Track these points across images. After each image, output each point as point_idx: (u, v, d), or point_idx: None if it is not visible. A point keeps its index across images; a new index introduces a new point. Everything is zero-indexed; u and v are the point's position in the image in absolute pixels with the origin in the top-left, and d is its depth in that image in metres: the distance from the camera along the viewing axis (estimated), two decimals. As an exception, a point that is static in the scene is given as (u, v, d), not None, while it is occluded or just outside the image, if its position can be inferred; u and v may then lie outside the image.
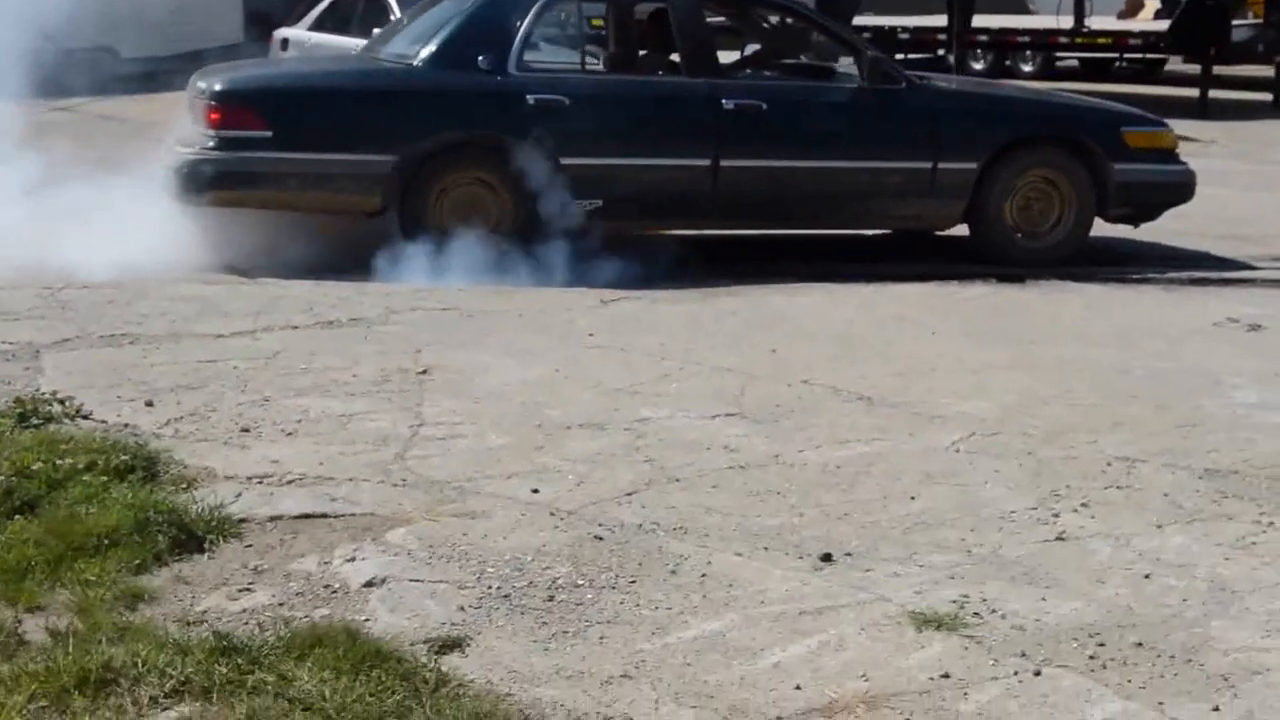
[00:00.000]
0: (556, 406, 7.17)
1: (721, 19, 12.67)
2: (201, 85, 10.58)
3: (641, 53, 11.78)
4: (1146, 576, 5.45)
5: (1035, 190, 11.64)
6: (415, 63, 10.93)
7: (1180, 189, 11.87)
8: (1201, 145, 18.02)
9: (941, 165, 11.20)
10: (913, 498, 6.15)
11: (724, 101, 11.00)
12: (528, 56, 11.06)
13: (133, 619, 4.93)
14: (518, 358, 8.07)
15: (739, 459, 6.54)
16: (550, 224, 10.58)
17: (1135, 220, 12.11)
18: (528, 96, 10.68)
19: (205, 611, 5.03)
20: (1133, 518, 6.02)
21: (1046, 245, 11.71)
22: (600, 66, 11.74)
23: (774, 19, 13.67)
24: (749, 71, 12.09)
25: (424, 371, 7.73)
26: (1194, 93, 23.99)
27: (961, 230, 11.81)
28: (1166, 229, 12.47)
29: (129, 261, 10.02)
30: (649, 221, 11.17)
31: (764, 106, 11.12)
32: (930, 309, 9.92)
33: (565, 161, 10.53)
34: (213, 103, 10.37)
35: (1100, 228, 12.11)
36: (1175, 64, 29.55)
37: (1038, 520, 5.94)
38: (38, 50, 15.21)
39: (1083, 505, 6.15)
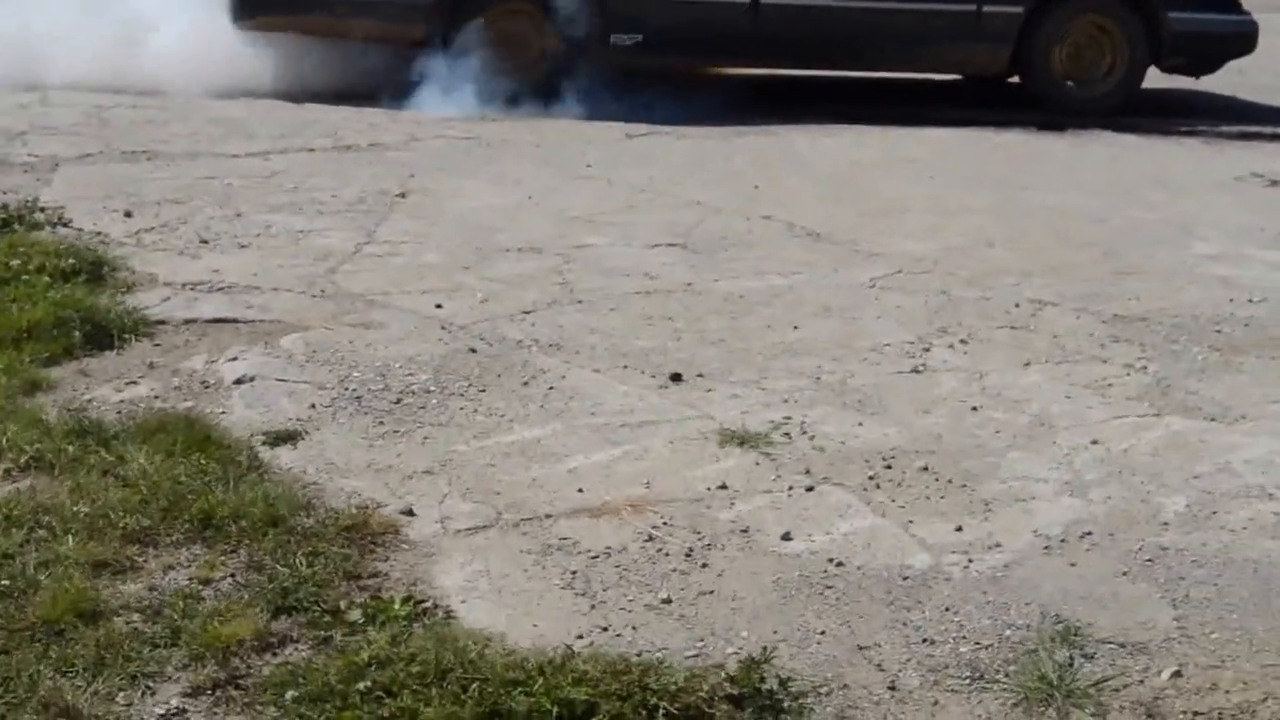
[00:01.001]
0: (507, 231, 7.58)
1: None
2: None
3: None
4: (974, 409, 5.73)
5: (1086, 37, 11.70)
6: (463, -107, 11.15)
7: (1240, 40, 11.82)
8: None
9: (986, 8, 11.33)
10: (795, 327, 6.48)
11: None
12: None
13: (25, 404, 5.41)
14: (501, 185, 8.49)
15: (651, 285, 6.90)
16: (591, 58, 10.83)
17: (1193, 71, 12.11)
18: None
19: (91, 400, 5.51)
20: (1003, 356, 6.28)
21: (1098, 94, 11.78)
22: None
23: None
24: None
25: (402, 195, 8.17)
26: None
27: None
28: (1260, 85, 12.42)
29: (190, 82, 10.52)
30: (689, 58, 11.46)
31: None
32: (948, 153, 10.17)
33: (605, -6, 10.78)
34: (267, -71, 10.79)
35: (1178, 81, 12.11)
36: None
37: (905, 354, 6.25)
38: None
39: (961, 342, 6.40)
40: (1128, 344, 6.43)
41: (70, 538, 4.46)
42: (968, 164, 9.80)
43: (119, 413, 5.34)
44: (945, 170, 9.53)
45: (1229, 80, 12.94)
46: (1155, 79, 12.48)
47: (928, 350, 6.24)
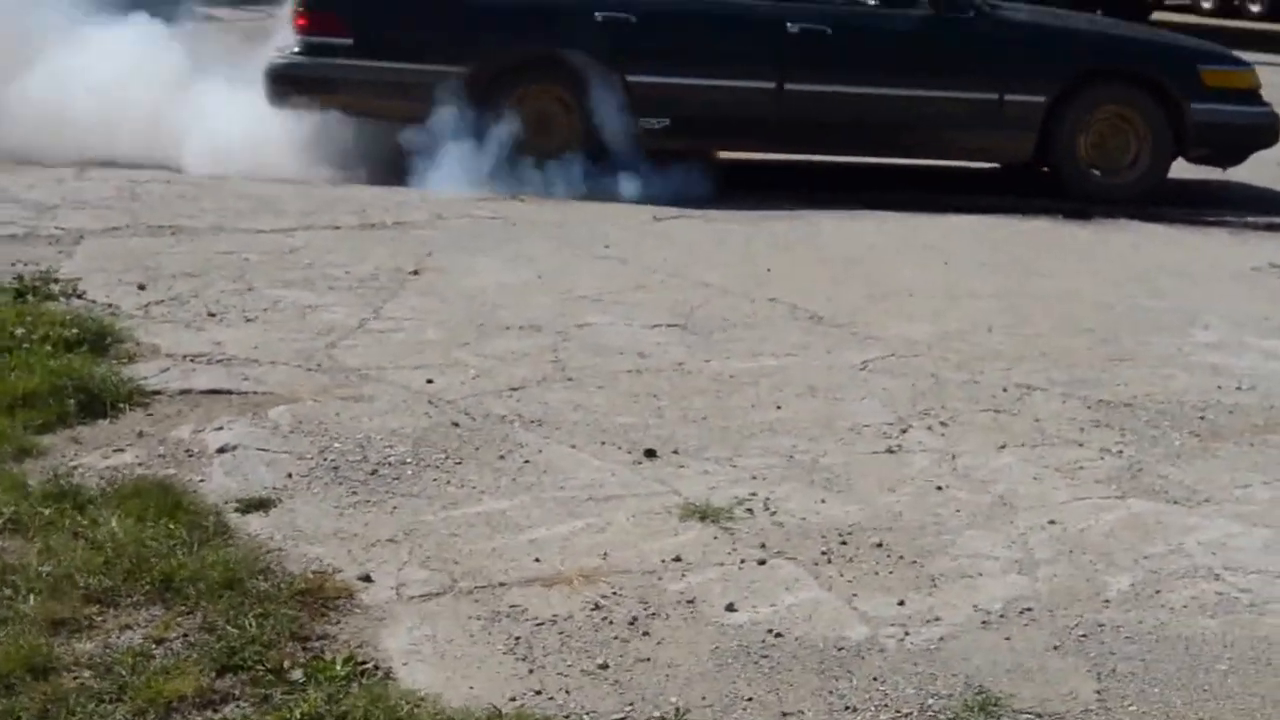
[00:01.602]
0: (511, 309, 7.75)
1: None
2: (295, -8, 11.33)
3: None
4: (939, 489, 5.84)
5: (1109, 126, 11.78)
6: (493, -23, 11.39)
7: (1262, 132, 11.91)
8: None
9: (1008, 97, 11.47)
10: (778, 407, 6.60)
11: (788, 24, 11.38)
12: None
13: (11, 468, 5.61)
14: (514, 264, 8.66)
15: (643, 364, 7.04)
16: (618, 141, 11.03)
17: (1219, 162, 12.21)
18: (595, 13, 11.18)
19: (76, 467, 5.70)
20: (980, 438, 6.38)
21: (1125, 182, 11.84)
22: None
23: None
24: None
25: (415, 272, 8.36)
26: None
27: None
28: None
29: (231, 160, 10.79)
30: (715, 142, 11.67)
31: (828, 31, 11.43)
32: (968, 239, 10.26)
33: (631, 79, 11.05)
34: (300, 8, 11.12)
35: (1213, 172, 12.27)
36: None
37: (882, 434, 6.36)
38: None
39: (941, 424, 6.50)
40: (1108, 429, 6.51)
41: (32, 596, 4.63)
42: (985, 250, 9.90)
43: (101, 479, 5.49)
44: (961, 256, 9.62)
45: (1268, 173, 12.99)
46: (1191, 171, 12.52)
47: (905, 432, 6.34)
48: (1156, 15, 23.56)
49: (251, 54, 11.79)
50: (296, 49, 11.03)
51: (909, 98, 11.34)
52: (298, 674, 4.33)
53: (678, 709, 4.15)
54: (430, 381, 6.59)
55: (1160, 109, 11.53)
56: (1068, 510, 5.64)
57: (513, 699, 4.26)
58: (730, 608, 4.83)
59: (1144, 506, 5.70)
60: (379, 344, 7.05)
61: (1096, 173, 11.73)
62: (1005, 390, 6.90)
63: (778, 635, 4.67)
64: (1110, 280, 9.21)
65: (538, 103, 11.06)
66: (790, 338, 7.54)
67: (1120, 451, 6.25)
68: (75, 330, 6.76)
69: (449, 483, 5.64)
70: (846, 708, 4.25)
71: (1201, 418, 6.69)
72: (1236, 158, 11.97)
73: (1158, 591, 4.99)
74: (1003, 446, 6.25)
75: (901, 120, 11.40)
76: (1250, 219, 11.58)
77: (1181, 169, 12.23)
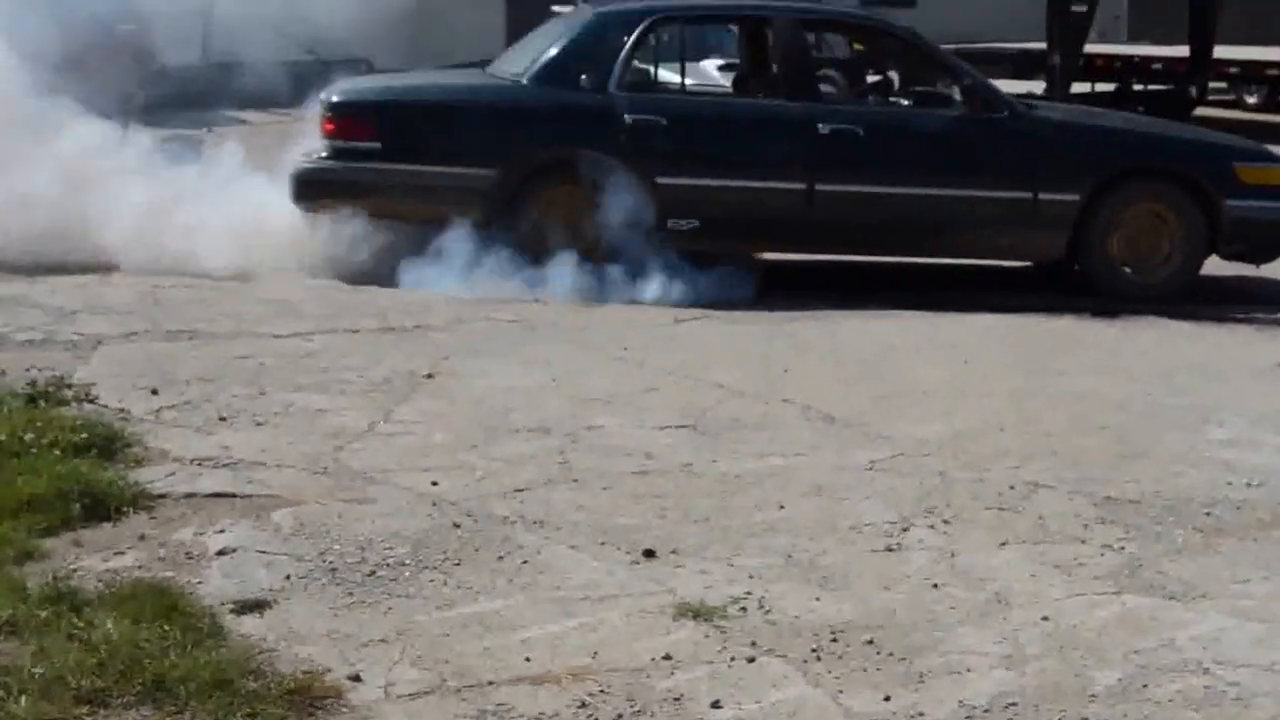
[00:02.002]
0: (522, 411, 7.80)
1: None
2: (322, 96, 11.46)
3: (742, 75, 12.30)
4: (935, 586, 5.85)
5: (1142, 224, 11.75)
6: (522, 80, 11.56)
7: None
8: None
9: (1042, 196, 11.47)
10: (781, 507, 6.62)
11: (820, 126, 11.46)
12: (630, 77, 11.71)
13: (12, 571, 5.68)
14: (529, 367, 8.72)
15: (650, 465, 7.07)
16: (645, 243, 11.09)
17: (1253, 259, 12.18)
18: (626, 116, 11.31)
19: (77, 569, 5.76)
20: (982, 536, 6.38)
21: (1156, 280, 11.81)
22: (697, 87, 12.25)
23: (876, 43, 13.99)
24: (848, 96, 12.45)
25: (429, 375, 8.41)
26: None
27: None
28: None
29: (260, 264, 10.91)
30: (745, 243, 11.72)
31: (860, 132, 11.51)
32: (991, 338, 10.26)
33: (661, 181, 11.12)
34: (328, 114, 11.28)
35: (1245, 268, 12.28)
36: None
37: (883, 533, 6.37)
38: (298, 63, 16.60)
39: (944, 522, 6.51)
40: (1112, 525, 6.51)
41: (24, 698, 4.67)
42: (1007, 349, 9.91)
43: (100, 581, 5.54)
44: (982, 355, 9.63)
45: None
46: (1225, 267, 12.50)
47: (906, 530, 6.36)
48: (1200, 112, 23.50)
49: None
50: (324, 153, 11.13)
51: (942, 198, 11.40)
52: (280, 772, 4.32)
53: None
54: (435, 484, 6.63)
55: (1195, 206, 11.53)
56: (1062, 606, 5.65)
57: (491, 797, 4.22)
58: (715, 705, 4.85)
59: (1139, 602, 5.70)
60: (387, 447, 7.09)
61: (1128, 270, 11.67)
62: (1012, 488, 6.90)
63: (759, 731, 4.64)
64: (1131, 378, 9.21)
65: (565, 204, 11.09)
66: (801, 438, 7.56)
67: (1122, 548, 6.25)
68: (84, 435, 6.81)
69: (445, 583, 5.67)
70: (823, 805, 4.21)
71: (1207, 514, 6.67)
72: (1271, 254, 11.92)
73: (1145, 686, 5.00)
74: (1004, 544, 6.26)
75: (934, 221, 11.43)
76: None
77: (1214, 264, 12.14)
